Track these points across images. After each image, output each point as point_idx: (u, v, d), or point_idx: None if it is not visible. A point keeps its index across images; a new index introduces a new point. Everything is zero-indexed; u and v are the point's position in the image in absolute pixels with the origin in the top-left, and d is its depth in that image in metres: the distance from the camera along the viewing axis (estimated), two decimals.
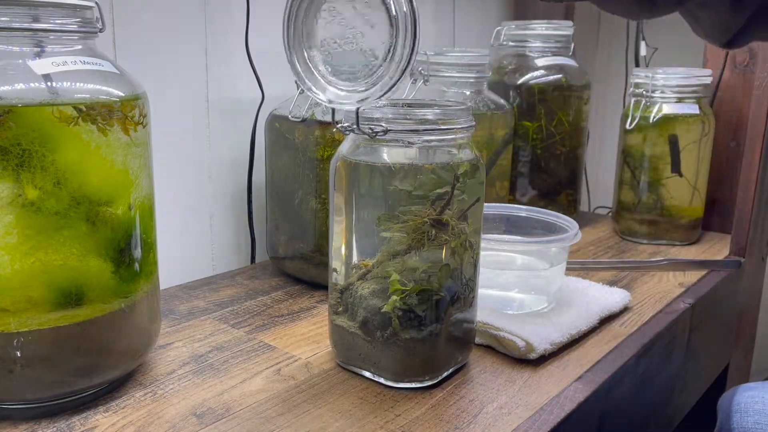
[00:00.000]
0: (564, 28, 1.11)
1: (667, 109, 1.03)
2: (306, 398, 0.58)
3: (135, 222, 0.56)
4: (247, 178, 0.92)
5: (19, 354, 0.51)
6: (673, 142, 1.03)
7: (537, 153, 1.10)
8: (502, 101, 1.00)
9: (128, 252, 0.55)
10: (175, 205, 0.86)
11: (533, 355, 0.65)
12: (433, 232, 0.57)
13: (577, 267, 0.91)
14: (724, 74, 1.12)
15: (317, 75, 0.57)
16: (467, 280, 0.61)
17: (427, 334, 0.58)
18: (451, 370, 0.62)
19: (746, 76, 1.10)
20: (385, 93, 0.54)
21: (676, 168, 1.04)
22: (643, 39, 1.32)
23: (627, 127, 1.05)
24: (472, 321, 0.64)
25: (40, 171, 0.49)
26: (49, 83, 0.50)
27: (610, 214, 1.20)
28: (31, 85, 0.50)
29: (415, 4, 0.52)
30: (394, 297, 0.57)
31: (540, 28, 1.10)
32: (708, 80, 1.04)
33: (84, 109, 0.50)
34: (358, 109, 0.56)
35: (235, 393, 0.58)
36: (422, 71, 0.92)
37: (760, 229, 1.05)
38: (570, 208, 1.14)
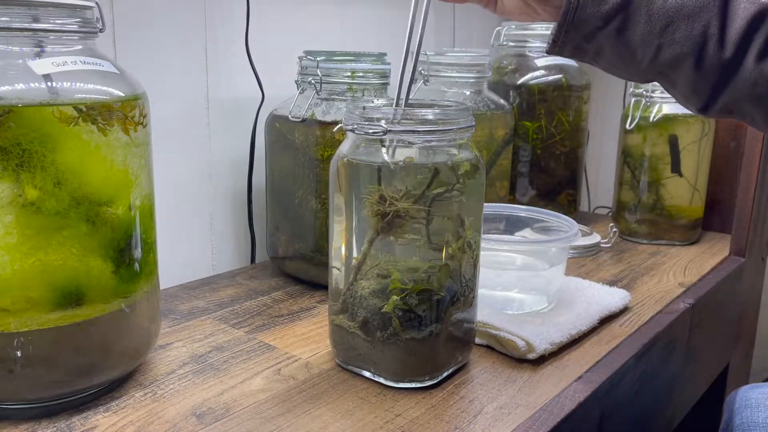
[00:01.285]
0: None
1: (667, 109, 1.03)
2: (306, 398, 0.58)
3: (135, 222, 0.56)
4: (247, 178, 0.92)
5: (19, 354, 0.51)
6: (673, 143, 1.03)
7: (537, 153, 1.10)
8: (502, 101, 1.00)
9: (128, 252, 0.55)
10: (175, 205, 0.85)
11: (533, 355, 0.65)
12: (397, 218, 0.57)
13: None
14: None
15: None
16: (467, 280, 0.61)
17: (427, 334, 0.58)
18: (451, 370, 0.62)
19: None
20: None
21: (676, 168, 1.04)
22: None
23: (627, 127, 1.05)
24: (472, 321, 0.64)
25: (40, 171, 0.49)
26: (49, 83, 0.50)
27: (610, 214, 1.20)
28: (31, 85, 0.50)
29: None
30: (394, 297, 0.57)
31: (540, 28, 1.10)
32: None
33: (84, 109, 0.50)
34: None
35: (235, 393, 0.58)
36: (422, 71, 0.93)
37: (760, 229, 1.05)
38: (570, 208, 1.14)
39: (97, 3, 0.54)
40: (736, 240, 1.02)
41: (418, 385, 0.60)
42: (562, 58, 1.09)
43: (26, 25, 0.50)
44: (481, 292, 0.66)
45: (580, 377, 0.63)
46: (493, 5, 0.61)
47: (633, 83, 1.07)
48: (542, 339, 0.66)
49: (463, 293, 0.61)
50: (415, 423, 0.54)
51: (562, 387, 0.61)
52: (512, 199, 1.11)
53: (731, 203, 1.07)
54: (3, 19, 0.49)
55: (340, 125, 0.60)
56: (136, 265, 0.57)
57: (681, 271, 0.95)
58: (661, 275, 0.93)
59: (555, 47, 0.56)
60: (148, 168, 0.58)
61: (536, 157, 1.10)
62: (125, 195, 0.55)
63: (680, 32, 0.51)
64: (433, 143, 0.58)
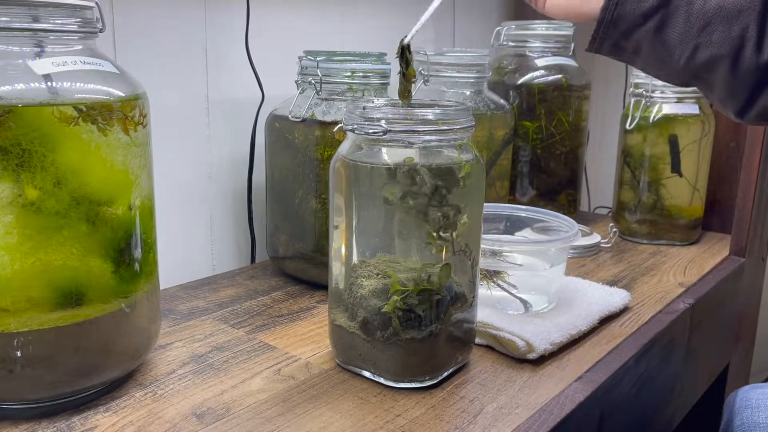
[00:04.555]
0: (564, 28, 1.11)
1: (667, 109, 1.03)
2: (306, 398, 0.58)
3: (135, 222, 0.56)
4: (247, 178, 0.92)
5: (19, 354, 0.51)
6: (673, 143, 1.03)
7: (537, 153, 1.10)
8: (502, 101, 1.00)
9: (128, 252, 0.55)
10: (175, 205, 0.86)
11: (533, 355, 0.65)
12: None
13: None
14: None
15: None
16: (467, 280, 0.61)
17: (427, 334, 0.58)
18: (451, 370, 0.62)
19: None
20: None
21: (676, 168, 1.04)
22: None
23: (627, 127, 1.05)
24: (472, 321, 0.64)
25: (40, 171, 0.49)
26: (49, 83, 0.50)
27: (610, 214, 1.20)
28: (31, 85, 0.50)
29: None
30: (395, 297, 0.57)
31: (540, 28, 1.10)
32: None
33: (84, 109, 0.50)
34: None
35: (235, 393, 0.58)
36: (422, 71, 0.93)
37: (760, 229, 1.05)
38: (570, 208, 1.14)
39: (97, 3, 0.54)
40: (736, 240, 1.02)
41: (418, 385, 0.60)
42: (562, 58, 1.10)
43: (26, 25, 0.50)
44: (482, 292, 0.66)
45: (580, 377, 0.63)
46: (536, 1, 0.62)
47: (633, 83, 1.07)
48: (542, 339, 0.66)
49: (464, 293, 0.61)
50: (415, 423, 0.54)
51: (562, 387, 0.61)
52: (512, 199, 1.11)
53: (731, 203, 1.07)
54: (3, 19, 0.49)
55: (340, 125, 0.60)
56: (136, 265, 0.57)
57: (681, 271, 0.95)
58: (661, 275, 0.93)
59: (594, 44, 0.57)
60: (148, 168, 0.58)
61: (536, 157, 1.10)
62: (125, 195, 0.55)
63: (717, 33, 0.51)
64: (433, 143, 0.58)
